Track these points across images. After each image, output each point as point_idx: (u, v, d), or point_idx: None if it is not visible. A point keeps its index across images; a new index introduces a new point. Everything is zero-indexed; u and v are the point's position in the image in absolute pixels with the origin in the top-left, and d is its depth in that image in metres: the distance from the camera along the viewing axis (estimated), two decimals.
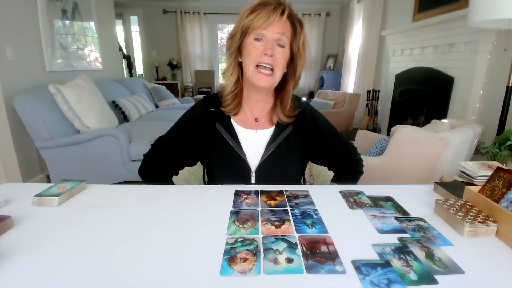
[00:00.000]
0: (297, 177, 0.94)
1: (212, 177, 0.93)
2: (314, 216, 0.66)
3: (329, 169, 1.03)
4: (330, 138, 0.95)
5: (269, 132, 0.90)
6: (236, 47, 0.83)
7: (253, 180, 0.88)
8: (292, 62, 0.86)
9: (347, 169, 1.00)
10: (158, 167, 0.94)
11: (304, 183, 1.02)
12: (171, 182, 0.96)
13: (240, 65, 0.85)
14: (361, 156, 1.01)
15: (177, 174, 0.97)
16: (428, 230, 0.61)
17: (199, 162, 0.98)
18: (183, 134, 0.91)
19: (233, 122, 0.90)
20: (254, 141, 0.89)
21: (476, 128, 1.70)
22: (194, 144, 0.91)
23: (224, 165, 0.88)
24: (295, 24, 0.82)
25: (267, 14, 0.77)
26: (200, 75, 6.22)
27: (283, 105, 0.89)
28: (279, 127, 0.90)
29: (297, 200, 0.74)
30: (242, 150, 0.87)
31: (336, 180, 1.01)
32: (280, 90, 0.89)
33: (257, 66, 0.80)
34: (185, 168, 0.99)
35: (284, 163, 0.89)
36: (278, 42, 0.80)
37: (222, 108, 0.88)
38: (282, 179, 0.86)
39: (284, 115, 0.89)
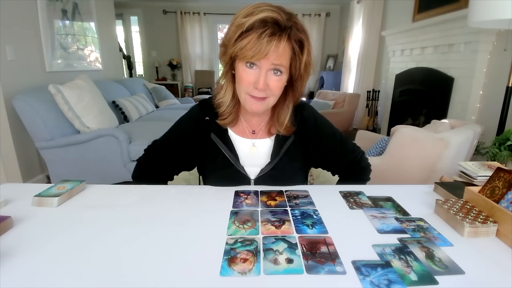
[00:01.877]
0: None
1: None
2: (314, 217, 0.66)
3: (333, 175, 1.00)
4: (335, 147, 0.90)
5: (268, 142, 0.86)
6: (228, 65, 0.76)
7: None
8: (292, 81, 0.77)
9: (352, 177, 0.95)
10: (152, 173, 0.91)
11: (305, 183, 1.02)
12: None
13: (234, 78, 0.77)
14: (368, 161, 0.97)
15: (172, 179, 0.95)
16: (428, 230, 0.61)
17: None
18: (177, 143, 0.87)
19: (229, 131, 0.85)
20: (252, 152, 0.85)
21: (476, 128, 1.70)
22: (188, 153, 0.87)
23: (220, 176, 0.84)
24: (294, 46, 0.70)
25: (259, 46, 0.65)
26: (200, 75, 6.23)
27: (280, 121, 0.82)
28: (279, 139, 0.84)
29: (297, 201, 0.74)
30: (239, 162, 0.83)
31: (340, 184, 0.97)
32: (278, 102, 0.81)
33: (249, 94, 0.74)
34: (183, 171, 0.97)
35: (285, 175, 0.84)
36: (273, 71, 0.71)
37: (218, 122, 0.83)
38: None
39: (282, 130, 0.83)
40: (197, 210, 0.70)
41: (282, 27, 0.67)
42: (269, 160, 0.84)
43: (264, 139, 0.86)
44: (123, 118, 3.10)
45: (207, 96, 0.93)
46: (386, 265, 0.49)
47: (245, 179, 0.85)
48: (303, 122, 0.86)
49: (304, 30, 0.72)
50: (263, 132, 0.87)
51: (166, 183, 0.95)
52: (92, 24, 3.44)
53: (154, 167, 0.91)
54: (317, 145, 0.88)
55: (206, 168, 0.88)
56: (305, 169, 0.90)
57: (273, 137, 0.86)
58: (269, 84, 0.72)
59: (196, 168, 0.96)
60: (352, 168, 0.95)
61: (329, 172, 1.03)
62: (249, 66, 0.71)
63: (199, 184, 0.97)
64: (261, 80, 0.70)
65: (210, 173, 0.87)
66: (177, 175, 0.96)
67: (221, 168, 0.84)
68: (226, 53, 0.73)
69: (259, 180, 0.85)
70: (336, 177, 1.01)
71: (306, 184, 0.98)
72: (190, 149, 0.87)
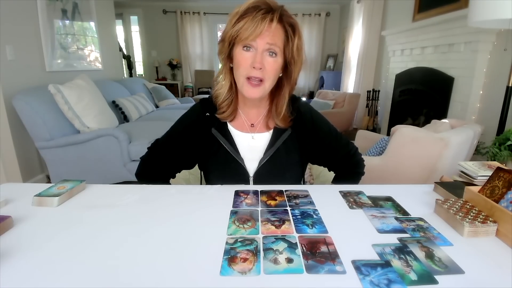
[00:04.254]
0: (296, 180, 0.93)
1: (209, 182, 0.91)
2: (314, 216, 0.66)
3: (329, 170, 1.02)
4: (330, 140, 0.93)
5: (266, 136, 0.88)
6: (226, 54, 0.79)
7: (251, 184, 0.87)
8: (287, 68, 0.81)
9: (347, 170, 0.98)
10: (154, 170, 0.92)
11: (304, 183, 1.02)
12: (168, 184, 0.95)
13: (232, 71, 0.82)
14: (362, 156, 1.00)
15: (174, 177, 0.96)
16: (428, 230, 0.61)
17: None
18: (179, 139, 0.89)
19: (229, 126, 0.88)
20: (251, 145, 0.87)
21: (476, 128, 1.70)
22: (190, 149, 0.89)
23: (221, 170, 0.87)
24: (288, 29, 0.76)
25: (254, 24, 0.71)
26: (200, 75, 6.23)
27: (278, 111, 0.85)
28: (277, 131, 0.87)
29: (297, 200, 0.74)
30: (239, 155, 0.86)
31: (336, 181, 0.99)
32: (275, 94, 0.85)
33: (247, 77, 0.77)
34: (183, 170, 0.98)
35: (282, 167, 0.87)
36: (268, 52, 0.76)
37: (217, 115, 0.85)
38: (280, 182, 0.84)
39: (280, 121, 0.86)
40: (197, 209, 0.70)
41: (274, 8, 0.74)
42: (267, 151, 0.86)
43: (262, 133, 0.89)
44: (123, 118, 3.10)
45: (207, 96, 0.94)
46: (386, 264, 0.49)
47: (244, 174, 0.86)
48: (300, 116, 0.89)
49: (293, 18, 0.78)
50: (261, 126, 0.89)
51: (168, 181, 0.96)
52: (92, 24, 3.44)
53: (156, 164, 0.92)
54: (314, 138, 0.90)
55: (208, 163, 0.89)
56: (301, 163, 0.92)
57: (271, 131, 0.88)
58: (265, 65, 0.76)
59: (196, 167, 0.97)
60: (347, 161, 0.97)
61: (329, 172, 1.03)
62: (246, 49, 0.76)
63: (200, 182, 0.98)
64: (257, 58, 0.75)
65: (211, 167, 0.89)
66: (179, 172, 0.97)
67: (222, 162, 0.86)
68: (224, 44, 0.78)
69: (257, 175, 0.86)
70: None
71: (303, 180, 1.00)
72: (192, 144, 0.89)
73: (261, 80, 0.77)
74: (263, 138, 0.88)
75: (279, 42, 0.76)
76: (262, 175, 0.86)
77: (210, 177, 0.90)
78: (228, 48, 0.78)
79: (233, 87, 0.84)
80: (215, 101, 0.86)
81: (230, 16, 0.76)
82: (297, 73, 0.83)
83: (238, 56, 0.77)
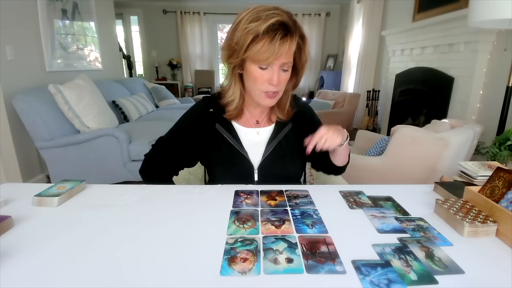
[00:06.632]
0: (298, 174, 0.96)
1: (213, 178, 0.93)
2: (314, 216, 0.66)
3: (318, 169, 1.01)
4: None
5: (269, 130, 0.92)
6: (237, 65, 0.80)
7: (256, 178, 0.89)
8: (294, 71, 0.84)
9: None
10: (158, 167, 0.94)
11: (304, 183, 1.02)
12: (172, 182, 0.96)
13: (240, 76, 0.84)
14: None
15: (177, 174, 0.98)
16: (428, 230, 0.61)
17: (199, 162, 0.98)
18: (182, 135, 0.91)
19: (233, 122, 0.91)
20: (255, 140, 0.90)
21: (476, 128, 1.70)
22: (194, 145, 0.91)
23: (226, 164, 0.89)
24: (299, 41, 0.78)
25: (273, 49, 0.72)
26: (200, 75, 6.22)
27: (281, 106, 0.90)
28: (279, 125, 0.91)
29: (297, 200, 0.74)
30: (244, 148, 0.88)
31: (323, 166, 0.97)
32: None
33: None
34: (185, 168, 0.99)
35: (285, 159, 0.90)
36: (283, 68, 0.78)
37: (225, 116, 0.88)
38: (283, 175, 0.88)
39: (282, 114, 0.90)
40: (197, 209, 0.70)
41: (290, 28, 0.74)
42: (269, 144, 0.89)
43: (266, 128, 0.92)
44: (123, 118, 3.10)
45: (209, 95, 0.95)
46: (386, 264, 0.49)
47: (249, 167, 0.88)
48: (300, 112, 0.93)
49: (299, 24, 0.79)
50: (265, 121, 0.93)
51: (171, 179, 0.97)
52: (92, 24, 3.43)
53: (160, 160, 0.94)
54: (311, 131, 0.90)
55: (212, 158, 0.91)
56: (302, 157, 0.94)
57: (273, 125, 0.92)
58: (280, 80, 0.79)
59: (196, 167, 0.98)
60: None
61: None
62: (263, 68, 0.77)
63: (204, 179, 1.00)
64: (275, 77, 0.77)
65: (216, 162, 0.90)
66: (183, 169, 0.98)
67: (226, 157, 0.88)
68: (234, 56, 0.78)
69: (261, 168, 0.88)
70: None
71: (305, 179, 1.02)
72: (195, 140, 0.90)
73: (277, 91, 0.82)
74: (266, 132, 0.92)
75: (291, 57, 0.79)
76: (266, 168, 0.89)
77: (215, 173, 0.92)
78: (240, 61, 0.78)
79: (242, 92, 0.87)
80: (226, 106, 0.88)
81: (241, 31, 0.73)
82: (302, 75, 0.87)
83: (254, 73, 0.78)
